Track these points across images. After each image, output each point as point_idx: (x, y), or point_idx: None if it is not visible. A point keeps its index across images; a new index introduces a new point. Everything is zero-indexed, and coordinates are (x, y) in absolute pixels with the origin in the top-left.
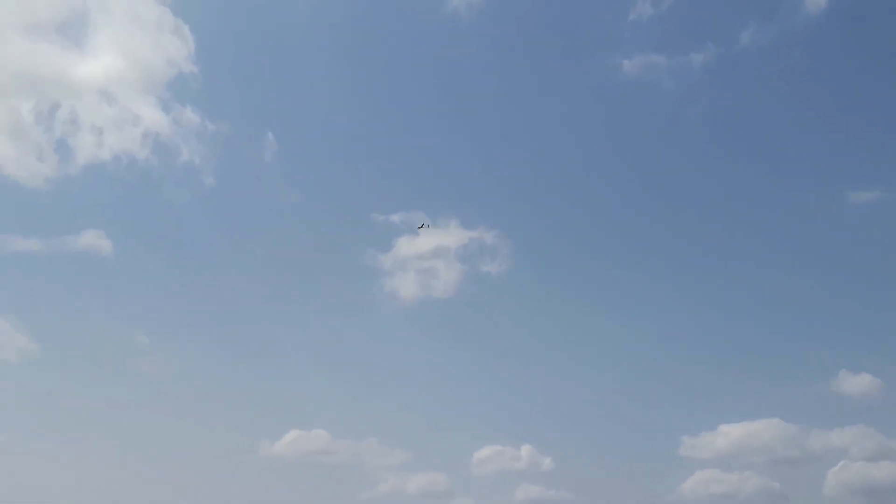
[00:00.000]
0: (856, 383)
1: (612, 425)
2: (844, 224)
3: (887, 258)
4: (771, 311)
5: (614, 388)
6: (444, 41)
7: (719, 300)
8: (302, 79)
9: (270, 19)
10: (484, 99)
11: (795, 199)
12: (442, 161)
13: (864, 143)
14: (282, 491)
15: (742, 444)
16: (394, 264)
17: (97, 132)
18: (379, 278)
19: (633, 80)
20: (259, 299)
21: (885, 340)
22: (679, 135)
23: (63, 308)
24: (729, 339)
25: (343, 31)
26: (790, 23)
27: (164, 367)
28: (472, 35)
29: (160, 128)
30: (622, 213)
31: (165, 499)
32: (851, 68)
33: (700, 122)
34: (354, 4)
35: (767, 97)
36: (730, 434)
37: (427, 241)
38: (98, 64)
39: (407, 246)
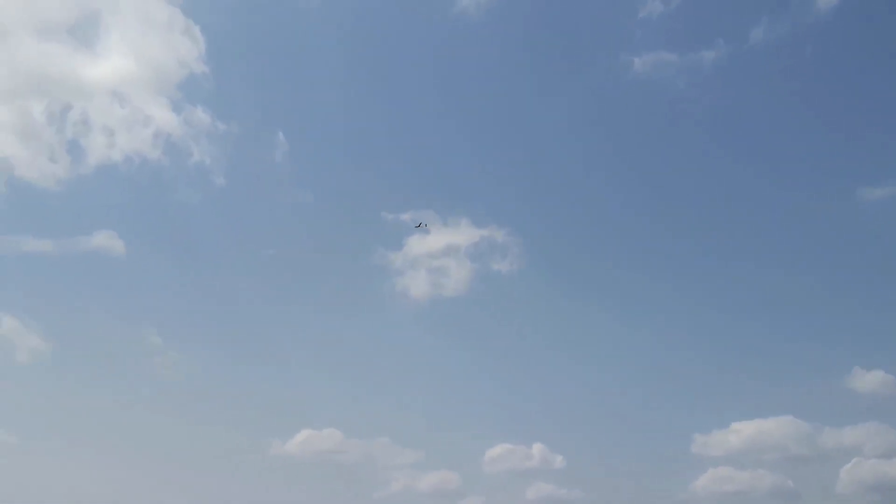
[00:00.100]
0: (868, 380)
1: (624, 423)
2: (856, 221)
3: None
4: (783, 309)
5: (626, 385)
6: (454, 41)
7: (731, 298)
8: (312, 79)
9: (280, 20)
10: (493, 98)
11: (806, 196)
12: (452, 160)
13: (875, 139)
14: (293, 490)
15: (754, 441)
16: (404, 263)
17: (109, 133)
18: (389, 277)
19: (643, 78)
20: (270, 299)
21: None
22: (689, 133)
23: (75, 308)
24: (741, 337)
25: (352, 31)
26: (801, 20)
27: (176, 367)
28: (481, 34)
29: (171, 128)
30: (632, 212)
31: (177, 499)
32: (862, 65)
33: (710, 119)
34: (363, 5)
35: (778, 94)
36: (742, 432)
37: (437, 239)
38: (109, 65)
39: (417, 245)
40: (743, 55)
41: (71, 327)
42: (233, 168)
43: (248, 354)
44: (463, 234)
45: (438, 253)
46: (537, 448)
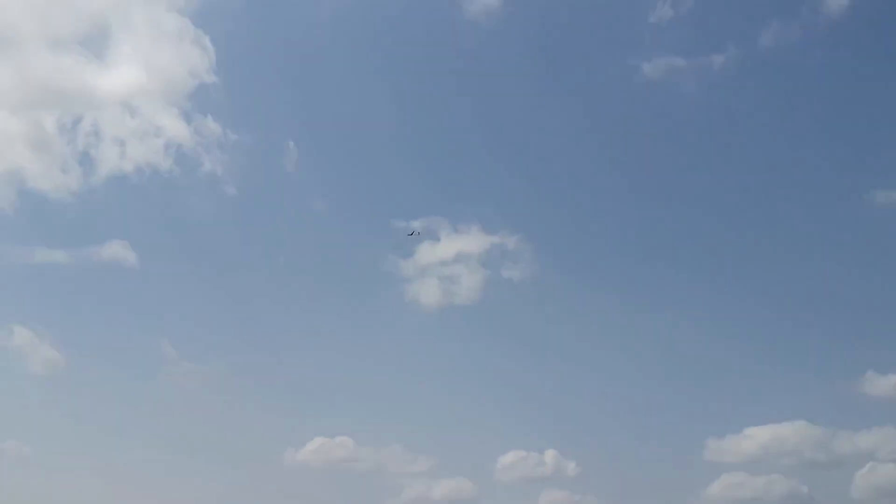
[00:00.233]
0: (883, 384)
1: (637, 429)
2: (869, 224)
3: None
4: (795, 312)
5: (638, 391)
6: (464, 48)
7: (743, 303)
8: (322, 87)
9: (290, 29)
10: (503, 104)
11: (818, 199)
12: (462, 166)
13: (888, 142)
14: (307, 499)
15: (768, 447)
16: (415, 271)
17: (120, 144)
18: (400, 285)
19: (653, 83)
20: (282, 307)
21: None
22: (700, 137)
23: (88, 319)
24: (753, 341)
25: (362, 39)
26: (812, 22)
27: (190, 376)
28: (491, 41)
29: (182, 138)
30: (643, 217)
31: None
32: (873, 68)
33: (721, 124)
34: (374, 13)
35: (789, 98)
36: (755, 437)
37: (448, 246)
38: (120, 76)
39: (428, 252)
40: (753, 59)
41: (84, 338)
42: (244, 177)
43: (260, 363)
44: (474, 241)
45: (449, 260)
46: (550, 455)
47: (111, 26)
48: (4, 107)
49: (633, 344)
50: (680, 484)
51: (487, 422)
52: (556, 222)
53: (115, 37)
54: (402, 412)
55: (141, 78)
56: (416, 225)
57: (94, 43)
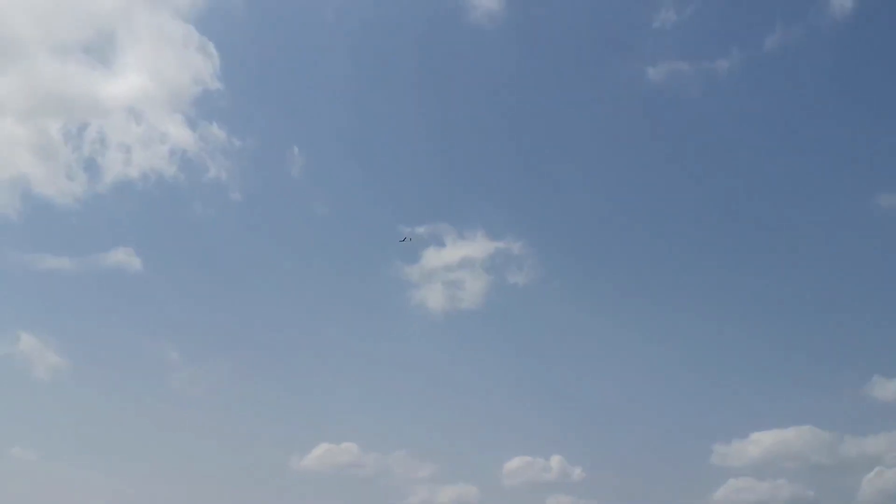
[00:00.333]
0: (889, 388)
1: (643, 434)
2: (875, 227)
3: None
4: (802, 317)
5: (644, 397)
6: (467, 53)
7: (749, 308)
8: (326, 93)
9: (294, 35)
10: (508, 109)
11: (825, 203)
12: (467, 172)
13: (893, 144)
14: None
15: (774, 451)
16: (420, 276)
17: (125, 150)
18: (406, 290)
19: (657, 88)
20: (287, 313)
21: None
22: (705, 141)
23: (93, 325)
24: (759, 346)
25: (366, 45)
26: (816, 25)
27: (195, 382)
28: (495, 46)
29: (187, 145)
30: (649, 222)
31: None
32: (878, 70)
33: (726, 128)
34: (377, 19)
35: (793, 102)
36: (762, 442)
37: (453, 252)
38: (125, 83)
39: (434, 257)
40: (757, 63)
41: (89, 344)
42: (249, 183)
43: (265, 369)
44: (479, 247)
45: (454, 266)
46: (556, 460)
47: (116, 33)
48: (10, 114)
49: (638, 349)
50: (686, 489)
51: (493, 427)
52: (560, 227)
53: (120, 44)
54: (407, 418)
55: (146, 85)
56: (420, 231)
57: (99, 50)
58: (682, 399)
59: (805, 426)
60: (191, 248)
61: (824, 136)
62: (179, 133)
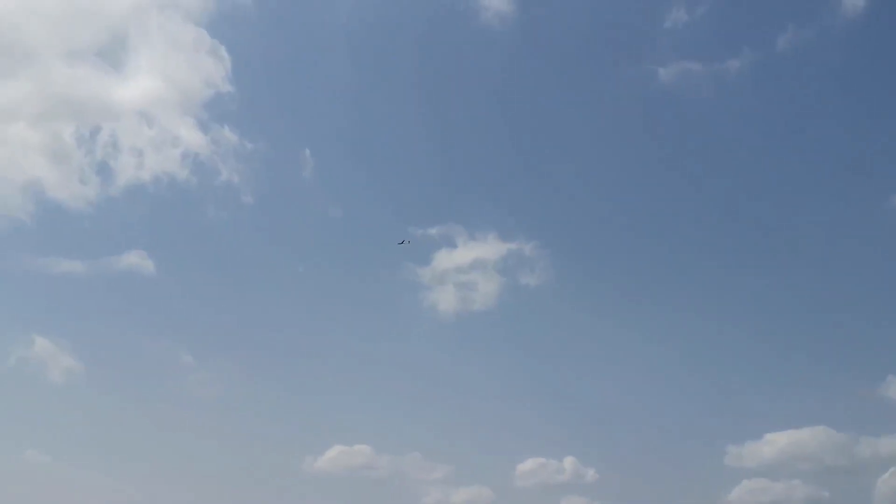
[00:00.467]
0: None
1: (656, 435)
2: (889, 228)
3: None
4: (815, 317)
5: (657, 398)
6: (478, 54)
7: (761, 308)
8: (337, 95)
9: (305, 38)
10: (519, 110)
11: (837, 203)
12: (478, 173)
13: None
14: None
15: (788, 452)
16: (432, 278)
17: (137, 154)
18: (418, 292)
19: (669, 88)
20: (300, 316)
21: None
22: (717, 142)
23: (107, 328)
24: (772, 347)
25: (377, 48)
26: (828, 25)
27: (208, 385)
28: (506, 47)
29: (199, 148)
30: (661, 222)
31: None
32: (891, 70)
33: (738, 128)
34: (388, 22)
35: (806, 102)
36: (776, 442)
37: (465, 254)
38: (137, 86)
39: (445, 259)
40: (769, 63)
41: (103, 347)
42: (261, 186)
43: (278, 371)
44: (491, 248)
45: (466, 267)
46: (569, 461)
47: (128, 37)
48: (23, 118)
49: (651, 350)
50: (700, 490)
51: (506, 429)
52: (572, 228)
53: (132, 48)
54: (420, 420)
55: (158, 88)
56: (432, 233)
57: (112, 54)
58: (695, 400)
59: (819, 427)
60: (203, 250)
61: (836, 136)
62: (191, 136)
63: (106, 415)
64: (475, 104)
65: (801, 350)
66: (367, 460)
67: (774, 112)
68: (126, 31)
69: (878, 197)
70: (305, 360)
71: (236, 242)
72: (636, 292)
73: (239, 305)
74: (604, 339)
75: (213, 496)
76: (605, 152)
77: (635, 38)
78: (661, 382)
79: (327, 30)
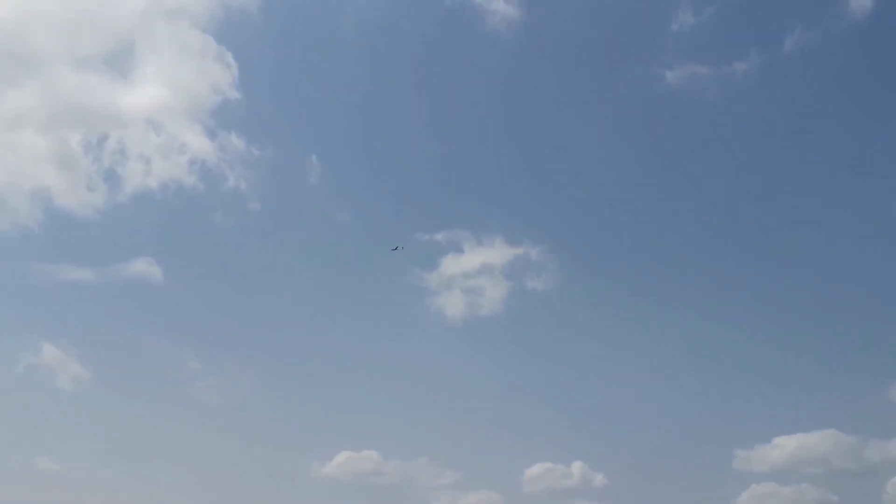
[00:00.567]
0: None
1: (664, 440)
2: None
3: None
4: (825, 320)
5: (665, 402)
6: (484, 59)
7: (769, 312)
8: (344, 101)
9: (311, 44)
10: (525, 114)
11: (846, 205)
12: (485, 178)
13: None
14: None
15: (797, 456)
16: (439, 283)
17: (145, 161)
18: (425, 297)
19: (676, 91)
20: (307, 321)
21: None
22: (725, 144)
23: (115, 335)
24: (782, 350)
25: (384, 53)
26: (835, 26)
27: (216, 391)
28: (512, 51)
29: (206, 154)
30: (667, 225)
31: None
32: None
33: (746, 130)
34: (395, 28)
35: (813, 103)
36: (785, 446)
37: (472, 259)
38: (144, 94)
39: (452, 264)
40: (777, 65)
41: (111, 354)
42: (268, 192)
43: (286, 377)
44: (497, 253)
45: (473, 272)
46: (577, 466)
47: (135, 45)
48: (31, 126)
49: (659, 354)
50: (709, 494)
51: (514, 433)
52: (579, 232)
53: (140, 55)
54: (428, 425)
55: (165, 95)
56: (439, 238)
57: (119, 61)
58: (703, 404)
59: (828, 430)
60: (210, 257)
61: (844, 137)
62: (198, 143)
63: (114, 421)
64: (481, 109)
65: (809, 353)
66: (374, 466)
67: (782, 114)
68: (133, 39)
69: (887, 200)
70: (312, 365)
71: (243, 248)
72: (643, 296)
73: (246, 311)
74: (611, 342)
75: (220, 502)
76: (612, 156)
77: (642, 41)
78: (669, 386)
79: (333, 36)
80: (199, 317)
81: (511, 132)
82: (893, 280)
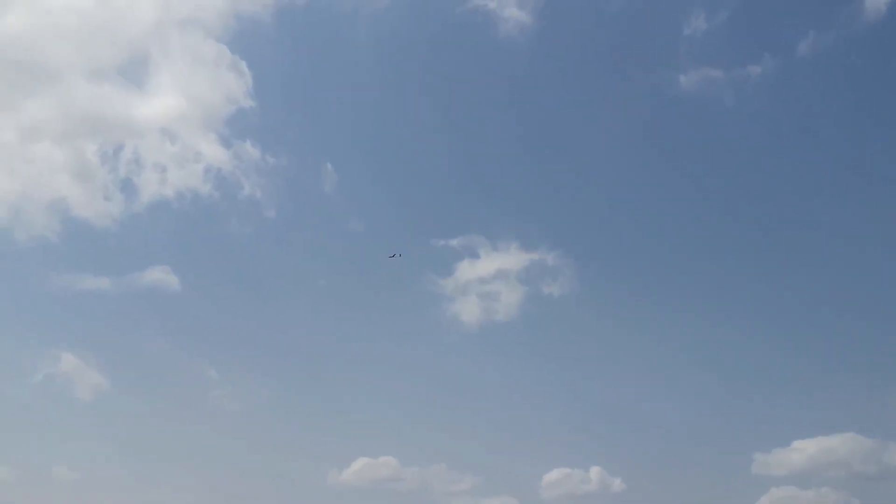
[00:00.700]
0: None
1: (682, 444)
2: None
3: None
4: (844, 324)
5: (684, 406)
6: (498, 65)
7: (788, 315)
8: (358, 108)
9: (325, 52)
10: (540, 120)
11: (859, 207)
12: (500, 184)
13: None
14: None
15: (817, 459)
16: (455, 289)
17: (160, 170)
18: (440, 303)
19: (690, 96)
20: (323, 329)
21: None
22: (739, 149)
23: (133, 344)
24: (801, 353)
25: (397, 60)
26: (849, 29)
27: (233, 399)
28: (527, 57)
29: (221, 163)
30: (684, 230)
31: None
32: None
33: (761, 134)
34: (408, 34)
35: (827, 107)
36: (804, 450)
37: (488, 264)
38: (159, 103)
39: (468, 270)
40: (790, 69)
41: (129, 363)
42: (283, 200)
43: (303, 385)
44: (513, 258)
45: (489, 278)
46: (595, 471)
47: (150, 55)
48: (47, 137)
49: (676, 358)
50: (727, 499)
51: (531, 439)
52: (594, 237)
53: (154, 65)
54: (445, 431)
55: (180, 105)
56: (454, 244)
57: (134, 72)
58: (722, 408)
59: (848, 433)
60: (227, 265)
61: (859, 141)
62: (214, 152)
63: (132, 429)
64: (495, 115)
65: (829, 356)
66: (392, 472)
67: (796, 118)
68: (147, 49)
69: None
70: (329, 372)
71: (259, 256)
72: (660, 300)
73: (263, 319)
74: (628, 347)
75: None
76: (626, 161)
77: (655, 45)
78: (687, 391)
79: (347, 44)
80: (217, 324)
81: (525, 138)
82: None
